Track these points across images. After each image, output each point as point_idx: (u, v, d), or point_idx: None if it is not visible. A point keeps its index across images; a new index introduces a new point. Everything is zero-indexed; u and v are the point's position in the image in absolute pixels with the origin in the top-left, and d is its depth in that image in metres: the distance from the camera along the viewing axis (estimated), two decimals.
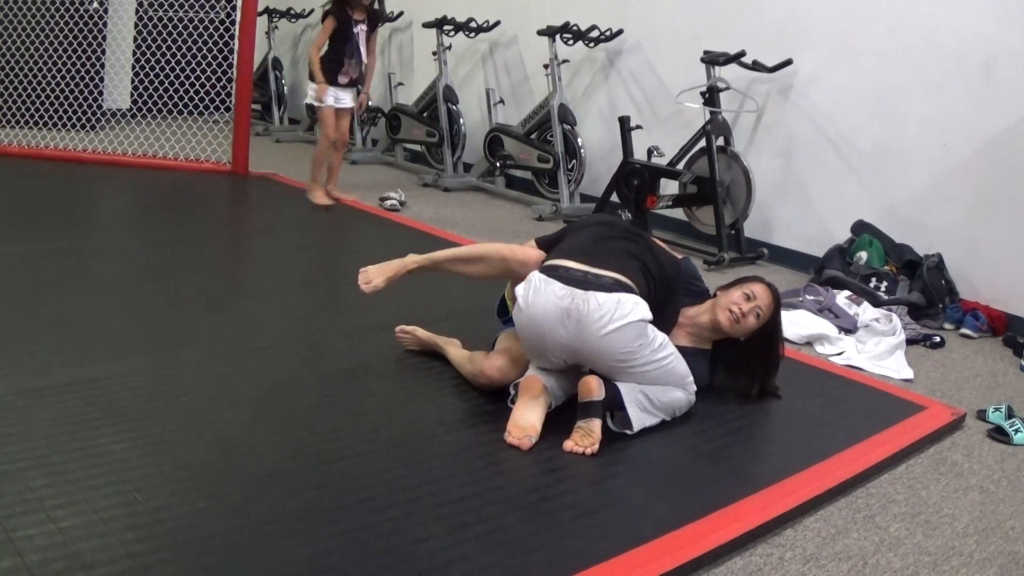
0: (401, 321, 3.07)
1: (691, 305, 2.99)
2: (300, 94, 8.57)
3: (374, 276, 2.97)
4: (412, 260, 2.99)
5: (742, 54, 5.11)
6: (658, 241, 3.04)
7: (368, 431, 2.56)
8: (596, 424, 2.55)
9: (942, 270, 4.43)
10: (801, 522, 2.37)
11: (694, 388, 2.78)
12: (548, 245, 2.91)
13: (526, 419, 2.58)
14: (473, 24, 6.68)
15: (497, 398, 2.79)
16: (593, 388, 2.57)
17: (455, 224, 5.42)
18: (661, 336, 2.65)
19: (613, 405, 2.62)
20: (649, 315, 2.58)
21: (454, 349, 3.04)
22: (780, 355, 3.05)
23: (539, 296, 2.60)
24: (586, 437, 2.53)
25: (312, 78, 5.42)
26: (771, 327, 2.96)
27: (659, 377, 2.66)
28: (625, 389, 2.62)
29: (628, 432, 2.64)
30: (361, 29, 5.42)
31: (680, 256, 3.08)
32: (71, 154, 6.31)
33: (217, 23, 7.46)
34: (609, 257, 2.71)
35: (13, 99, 7.18)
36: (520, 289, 2.66)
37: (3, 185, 5.45)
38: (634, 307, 2.55)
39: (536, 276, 2.66)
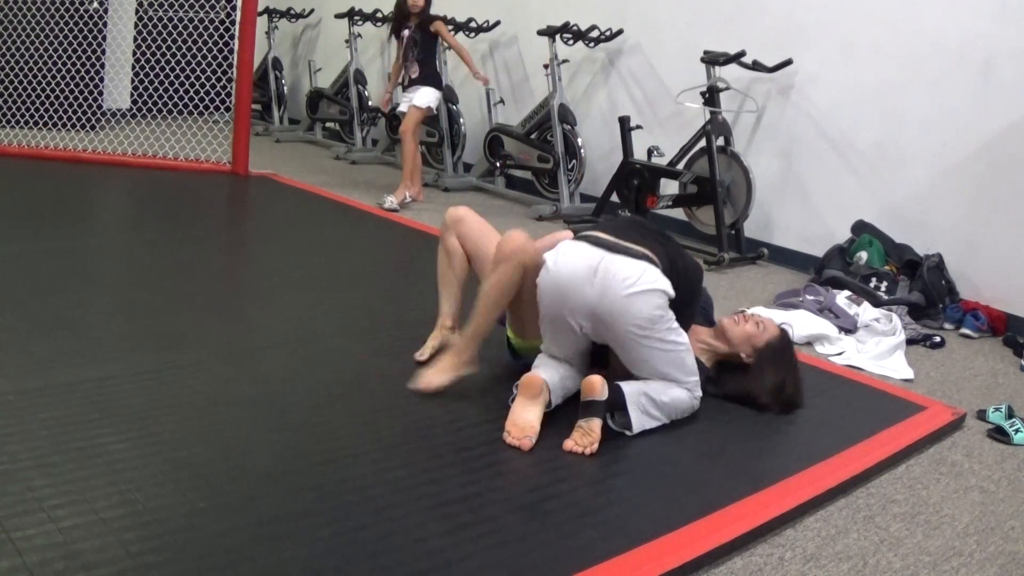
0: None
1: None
2: (300, 94, 8.60)
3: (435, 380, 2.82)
4: (464, 350, 2.83)
5: (742, 54, 5.11)
6: None
7: (368, 431, 2.56)
8: (596, 424, 2.55)
9: (942, 270, 4.43)
10: (801, 522, 2.37)
11: (699, 393, 2.77)
12: None
13: (524, 418, 2.57)
14: (473, 24, 6.68)
15: (497, 398, 2.79)
16: (596, 387, 2.57)
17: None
18: (678, 324, 2.66)
19: (615, 406, 2.62)
20: (672, 291, 2.60)
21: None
22: (761, 394, 2.92)
23: (568, 257, 2.63)
24: (586, 436, 2.53)
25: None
26: (765, 359, 2.92)
27: (670, 361, 2.66)
28: (628, 390, 2.62)
29: (627, 433, 2.64)
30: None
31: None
32: (71, 154, 6.31)
33: (217, 23, 7.46)
34: (639, 238, 2.73)
35: (13, 99, 7.18)
36: (549, 254, 2.68)
37: (3, 185, 5.45)
38: (659, 277, 2.59)
39: (566, 242, 2.70)
